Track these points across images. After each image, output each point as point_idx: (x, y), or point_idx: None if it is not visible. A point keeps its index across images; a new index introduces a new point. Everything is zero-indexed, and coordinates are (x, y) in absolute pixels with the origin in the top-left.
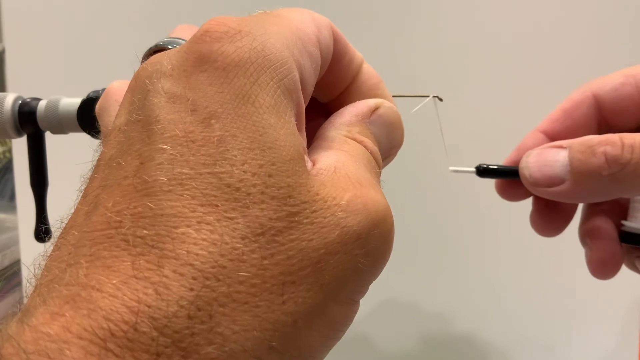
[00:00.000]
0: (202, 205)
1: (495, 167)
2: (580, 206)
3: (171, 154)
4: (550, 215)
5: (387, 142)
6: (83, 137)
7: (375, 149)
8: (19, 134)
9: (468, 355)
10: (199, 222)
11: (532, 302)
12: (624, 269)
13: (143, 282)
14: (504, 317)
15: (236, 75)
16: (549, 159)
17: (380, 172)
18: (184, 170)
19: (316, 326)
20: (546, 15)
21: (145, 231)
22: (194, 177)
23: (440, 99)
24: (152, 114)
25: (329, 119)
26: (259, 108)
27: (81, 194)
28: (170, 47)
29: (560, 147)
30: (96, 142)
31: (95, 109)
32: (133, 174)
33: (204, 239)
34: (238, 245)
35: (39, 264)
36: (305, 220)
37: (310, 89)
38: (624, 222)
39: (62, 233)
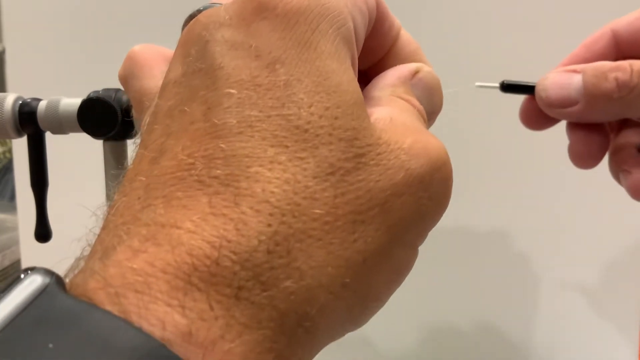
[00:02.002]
0: (272, 146)
1: (518, 82)
2: None
3: (239, 98)
4: (587, 144)
5: (428, 106)
6: (83, 137)
7: (421, 107)
8: (19, 134)
9: (468, 355)
10: (271, 162)
11: (531, 302)
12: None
13: (222, 219)
14: (504, 316)
15: (297, 22)
16: (564, 82)
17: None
18: (252, 113)
19: (382, 267)
20: (547, 15)
21: (218, 171)
22: (262, 119)
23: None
24: (215, 61)
25: (371, 82)
26: (320, 54)
27: (138, 147)
28: None
29: (575, 71)
30: (98, 142)
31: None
32: (201, 119)
33: (277, 178)
34: (310, 183)
35: (99, 214)
36: (371, 162)
37: (361, 44)
38: None
39: (123, 183)
